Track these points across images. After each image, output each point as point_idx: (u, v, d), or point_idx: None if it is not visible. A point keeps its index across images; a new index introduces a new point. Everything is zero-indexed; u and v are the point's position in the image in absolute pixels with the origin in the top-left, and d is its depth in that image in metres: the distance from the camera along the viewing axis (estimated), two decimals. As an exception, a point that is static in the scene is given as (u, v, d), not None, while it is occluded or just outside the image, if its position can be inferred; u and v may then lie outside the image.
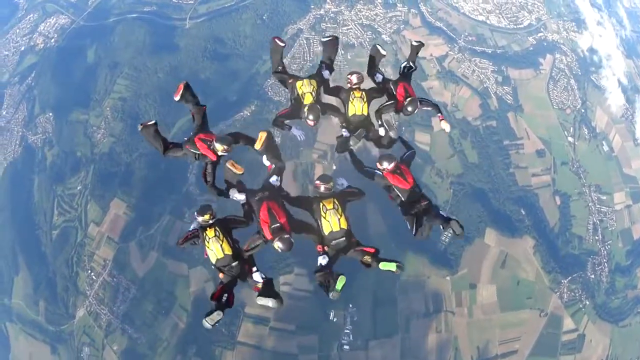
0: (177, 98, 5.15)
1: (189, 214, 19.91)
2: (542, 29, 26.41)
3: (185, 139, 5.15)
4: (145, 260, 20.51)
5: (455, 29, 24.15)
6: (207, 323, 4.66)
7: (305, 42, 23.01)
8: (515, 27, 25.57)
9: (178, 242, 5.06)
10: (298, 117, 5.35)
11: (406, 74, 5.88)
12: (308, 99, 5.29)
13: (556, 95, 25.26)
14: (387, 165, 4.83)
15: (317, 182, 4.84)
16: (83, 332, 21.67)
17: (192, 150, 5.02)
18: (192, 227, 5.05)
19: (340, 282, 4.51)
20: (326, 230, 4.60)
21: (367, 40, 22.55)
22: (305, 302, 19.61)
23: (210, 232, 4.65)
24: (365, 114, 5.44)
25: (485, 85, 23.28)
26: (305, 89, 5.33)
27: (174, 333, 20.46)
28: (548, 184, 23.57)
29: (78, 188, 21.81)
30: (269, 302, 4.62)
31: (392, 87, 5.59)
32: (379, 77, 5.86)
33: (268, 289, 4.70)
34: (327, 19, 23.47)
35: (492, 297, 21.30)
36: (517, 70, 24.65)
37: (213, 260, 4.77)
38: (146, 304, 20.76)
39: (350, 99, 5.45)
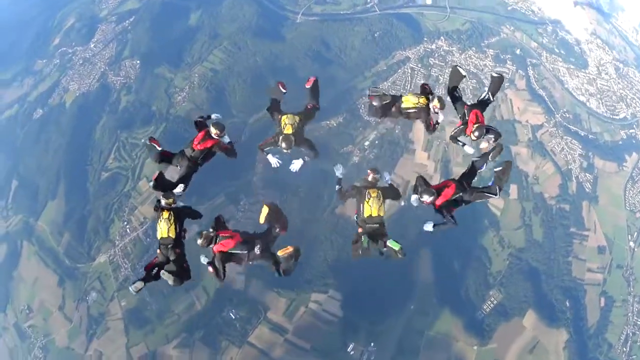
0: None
1: (244, 201, 19.63)
2: (634, 126, 25.56)
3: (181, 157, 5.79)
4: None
5: (555, 102, 23.53)
6: (132, 289, 5.29)
7: (409, 71, 22.74)
8: (611, 116, 24.75)
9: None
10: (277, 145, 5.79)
11: (483, 103, 6.07)
12: (288, 130, 5.71)
13: (631, 197, 24.29)
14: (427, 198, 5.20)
15: (369, 170, 5.39)
16: (97, 278, 21.47)
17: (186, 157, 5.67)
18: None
19: (394, 243, 4.91)
20: (366, 214, 5.10)
21: (470, 88, 22.06)
22: (329, 326, 18.98)
23: (165, 214, 5.36)
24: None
25: (569, 167, 22.53)
26: (288, 121, 5.77)
27: (188, 311, 20.04)
28: (599, 283, 22.71)
29: (142, 140, 21.72)
30: (170, 279, 5.23)
31: (466, 112, 5.87)
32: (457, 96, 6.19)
33: (181, 271, 5.26)
34: (436, 55, 23.18)
35: (510, 380, 20.36)
36: (602, 161, 23.83)
37: (158, 236, 5.40)
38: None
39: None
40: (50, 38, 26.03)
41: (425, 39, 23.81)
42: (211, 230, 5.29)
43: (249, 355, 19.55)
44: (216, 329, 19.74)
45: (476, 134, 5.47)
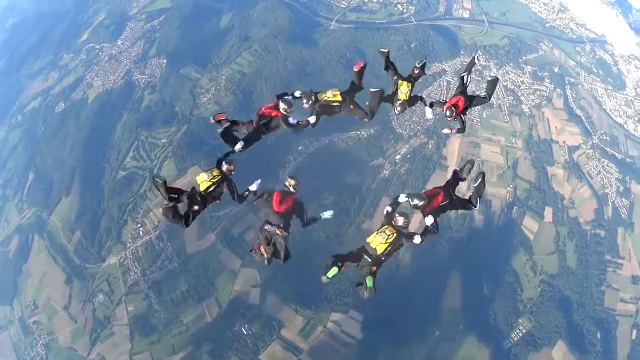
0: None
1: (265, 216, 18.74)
2: (674, 151, 24.19)
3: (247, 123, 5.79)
4: (201, 239, 19.38)
5: (593, 124, 22.56)
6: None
7: (445, 84, 21.93)
8: (650, 140, 23.59)
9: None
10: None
11: (465, 87, 6.19)
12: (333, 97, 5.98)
13: (668, 224, 22.75)
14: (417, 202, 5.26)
15: (400, 216, 5.19)
16: (105, 280, 20.71)
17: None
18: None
19: (370, 280, 4.87)
20: (368, 240, 5.15)
21: (507, 105, 21.09)
22: (347, 349, 17.75)
23: (215, 172, 5.21)
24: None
25: (606, 191, 21.40)
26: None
27: (198, 323, 19.05)
28: (631, 315, 21.34)
29: (163, 141, 21.19)
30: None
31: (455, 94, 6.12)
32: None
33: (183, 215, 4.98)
34: (473, 69, 22.16)
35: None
36: (639, 186, 22.52)
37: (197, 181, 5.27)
38: (182, 282, 19.54)
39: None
40: (79, 33, 26.06)
41: (463, 52, 23.26)
42: None
43: (259, 374, 18.38)
44: (226, 344, 18.66)
45: (447, 113, 5.81)
